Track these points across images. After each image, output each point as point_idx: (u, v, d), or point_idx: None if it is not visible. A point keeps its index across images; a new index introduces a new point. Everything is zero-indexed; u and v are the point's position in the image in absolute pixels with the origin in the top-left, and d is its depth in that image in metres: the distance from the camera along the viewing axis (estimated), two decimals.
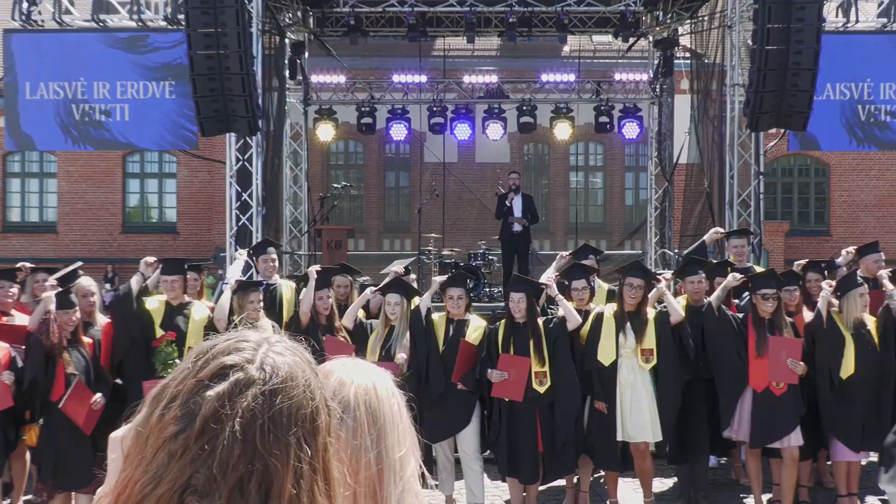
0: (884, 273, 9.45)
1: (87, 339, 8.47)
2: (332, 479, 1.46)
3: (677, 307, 8.83)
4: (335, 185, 21.36)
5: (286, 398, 1.40)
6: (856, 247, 10.57)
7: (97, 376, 8.41)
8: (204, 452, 1.34)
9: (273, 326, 8.88)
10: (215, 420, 1.35)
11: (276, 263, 10.68)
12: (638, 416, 8.61)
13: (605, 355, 8.72)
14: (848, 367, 8.68)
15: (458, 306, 8.89)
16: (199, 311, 9.19)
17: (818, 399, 8.83)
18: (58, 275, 9.03)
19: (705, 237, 11.19)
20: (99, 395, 8.18)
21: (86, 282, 9.10)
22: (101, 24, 15.50)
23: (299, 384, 1.43)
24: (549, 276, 9.47)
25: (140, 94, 15.45)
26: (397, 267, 10.23)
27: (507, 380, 8.50)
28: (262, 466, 1.35)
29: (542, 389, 8.56)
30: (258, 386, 1.39)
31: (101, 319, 9.02)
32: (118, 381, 8.89)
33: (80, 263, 9.62)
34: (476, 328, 8.91)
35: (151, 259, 9.48)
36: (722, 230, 11.77)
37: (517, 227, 16.38)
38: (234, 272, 10.16)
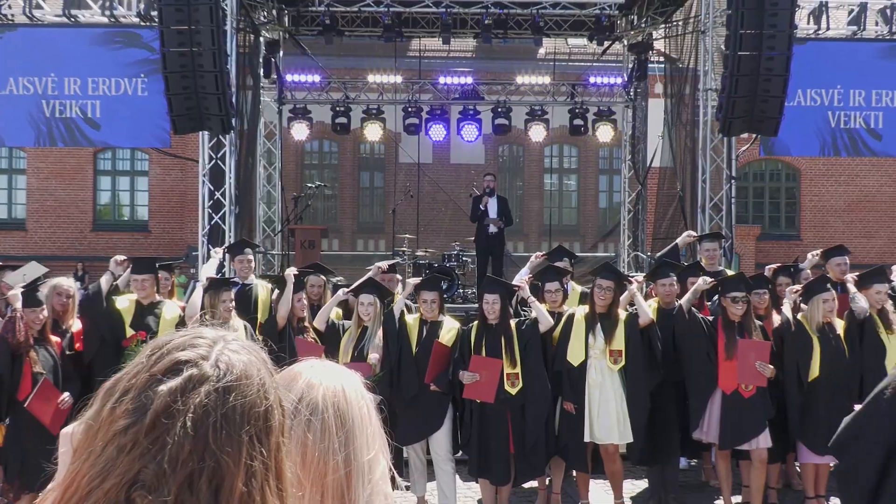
0: (849, 277, 9.55)
1: (55, 338, 8.37)
2: (285, 479, 1.46)
3: (647, 309, 8.86)
4: (309, 185, 21.30)
5: (240, 396, 1.39)
6: (821, 250, 10.68)
7: (65, 375, 8.31)
8: (154, 447, 1.33)
9: (245, 327, 8.83)
10: (167, 415, 1.34)
11: (253, 264, 10.62)
12: (606, 417, 8.64)
13: (574, 356, 8.75)
14: (814, 370, 8.76)
15: (432, 309, 8.88)
16: (171, 310, 9.11)
17: (786, 401, 8.90)
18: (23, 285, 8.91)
19: (678, 240, 11.25)
20: (67, 394, 8.09)
21: (66, 282, 8.98)
22: (72, 19, 15.37)
23: (254, 383, 1.42)
24: (521, 278, 9.48)
25: (112, 91, 15.34)
26: (381, 263, 10.22)
27: (479, 381, 8.50)
28: (214, 463, 1.34)
29: (513, 391, 8.57)
30: (212, 383, 1.38)
31: (76, 325, 8.89)
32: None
33: (45, 271, 9.53)
34: (449, 330, 8.91)
35: (121, 257, 9.39)
36: (694, 234, 11.84)
37: (493, 229, 16.39)
38: (207, 271, 10.10)
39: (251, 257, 10.55)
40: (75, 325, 8.82)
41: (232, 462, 1.36)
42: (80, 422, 1.43)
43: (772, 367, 8.61)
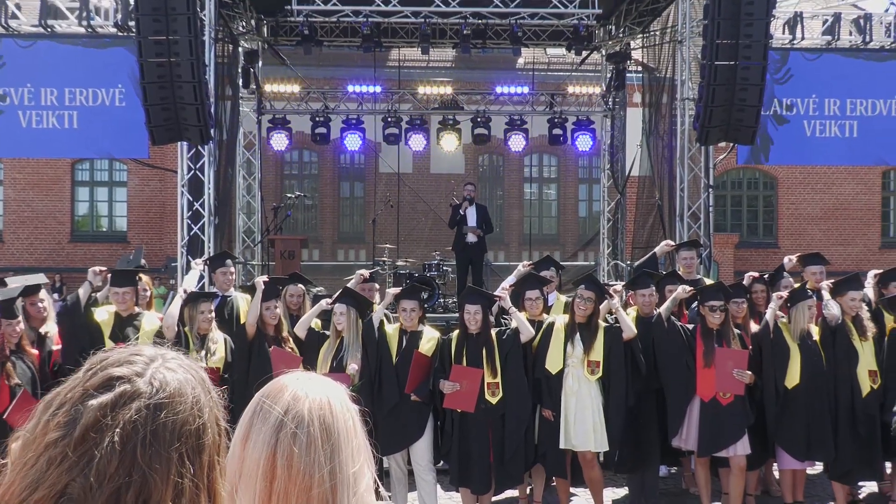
0: (824, 284, 9.64)
1: (33, 351, 8.31)
2: (218, 497, 1.48)
3: (629, 324, 8.90)
4: (289, 195, 21.28)
5: (171, 413, 1.41)
6: (798, 255, 10.77)
7: (45, 387, 8.24)
8: (82, 461, 1.34)
9: (226, 339, 8.80)
10: (95, 429, 1.36)
11: (233, 276, 10.59)
12: (581, 424, 8.67)
13: (552, 364, 8.79)
14: (793, 377, 8.83)
15: (411, 318, 8.89)
16: (150, 321, 9.06)
17: (765, 408, 8.96)
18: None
19: (656, 249, 11.31)
20: None
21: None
22: (49, 29, 15.30)
23: (187, 400, 1.44)
24: (504, 287, 9.51)
25: (89, 101, 15.27)
26: (363, 272, 10.22)
27: (459, 391, 8.52)
28: (141, 479, 1.36)
29: (494, 400, 8.59)
30: (143, 399, 1.40)
31: (53, 329, 8.86)
32: None
33: (46, 282, 9.46)
34: (429, 339, 8.92)
35: (100, 268, 9.33)
36: (672, 242, 11.89)
37: (471, 238, 16.42)
38: (189, 282, 10.06)
39: (232, 269, 10.51)
40: (52, 328, 8.76)
41: (160, 478, 1.38)
42: (18, 434, 1.45)
43: (750, 373, 8.67)
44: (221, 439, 1.52)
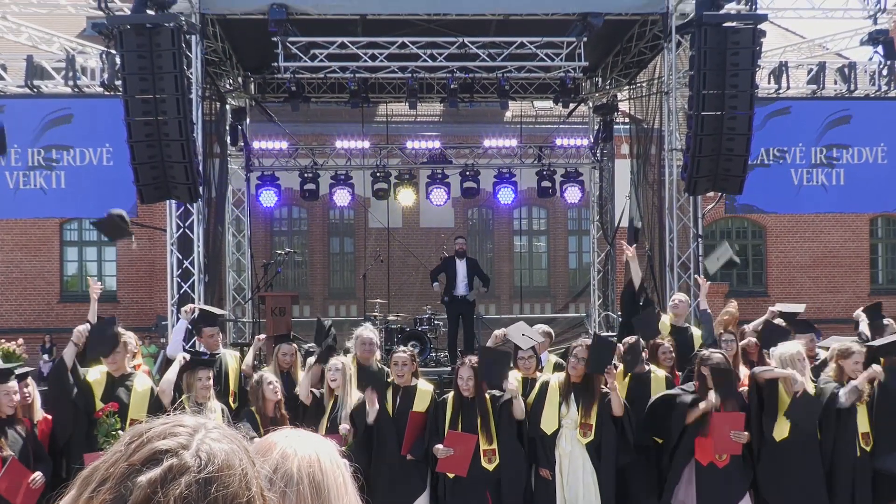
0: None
1: (25, 418, 8.14)
2: None
3: (618, 401, 8.75)
4: (279, 252, 21.24)
5: (222, 487, 1.35)
6: (778, 311, 10.77)
7: (36, 454, 8.08)
8: None
9: (223, 410, 8.63)
10: None
11: (219, 337, 10.46)
12: (575, 485, 8.59)
13: (547, 424, 8.71)
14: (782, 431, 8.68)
15: (403, 373, 8.82)
16: (142, 382, 8.91)
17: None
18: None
19: (631, 270, 11.37)
20: (38, 473, 7.86)
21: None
22: (35, 90, 15.33)
23: (236, 473, 1.38)
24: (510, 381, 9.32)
25: (76, 161, 15.25)
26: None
27: (453, 455, 8.45)
28: None
29: (490, 467, 8.54)
30: (192, 473, 1.34)
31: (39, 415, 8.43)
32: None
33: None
34: (423, 395, 8.83)
35: (83, 327, 9.20)
36: (630, 250, 11.81)
37: (470, 295, 16.55)
38: (177, 338, 9.94)
39: (216, 330, 10.41)
40: (38, 415, 8.35)
41: None
42: None
43: (746, 433, 8.54)
44: None
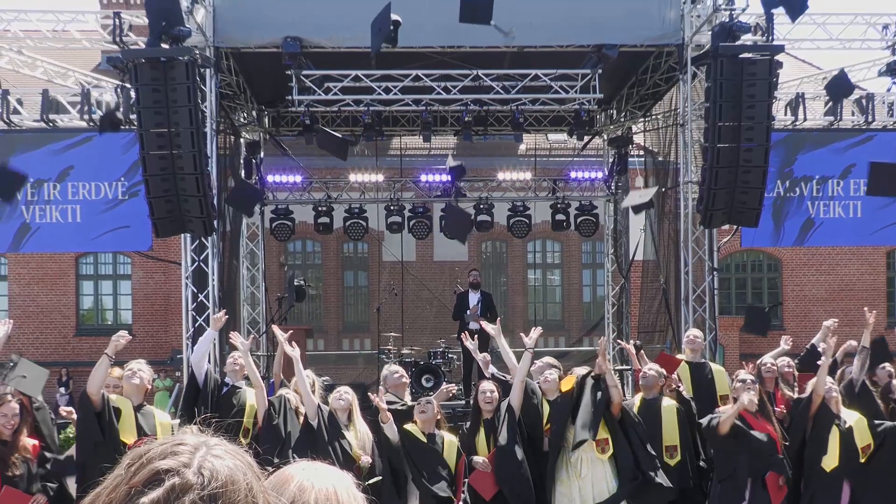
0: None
1: (30, 441, 8.01)
2: None
3: (617, 393, 8.85)
4: (296, 280, 21.22)
5: (227, 503, 1.29)
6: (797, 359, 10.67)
7: (40, 476, 7.97)
8: None
9: None
10: None
11: (241, 367, 10.35)
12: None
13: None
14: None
15: (429, 421, 8.76)
16: (161, 414, 8.91)
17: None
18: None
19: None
20: (41, 495, 7.79)
21: (11, 402, 7.92)
22: (50, 124, 15.42)
23: (241, 488, 1.33)
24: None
25: (92, 195, 15.31)
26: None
27: (489, 474, 8.50)
28: None
29: None
30: (196, 491, 1.29)
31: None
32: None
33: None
34: (450, 446, 8.74)
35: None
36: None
37: (473, 325, 16.34)
38: (201, 348, 9.82)
39: (240, 359, 10.33)
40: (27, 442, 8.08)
41: None
42: None
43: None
44: None
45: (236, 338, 9.53)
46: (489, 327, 9.31)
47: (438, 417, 8.81)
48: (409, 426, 8.71)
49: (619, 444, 8.67)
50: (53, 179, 15.33)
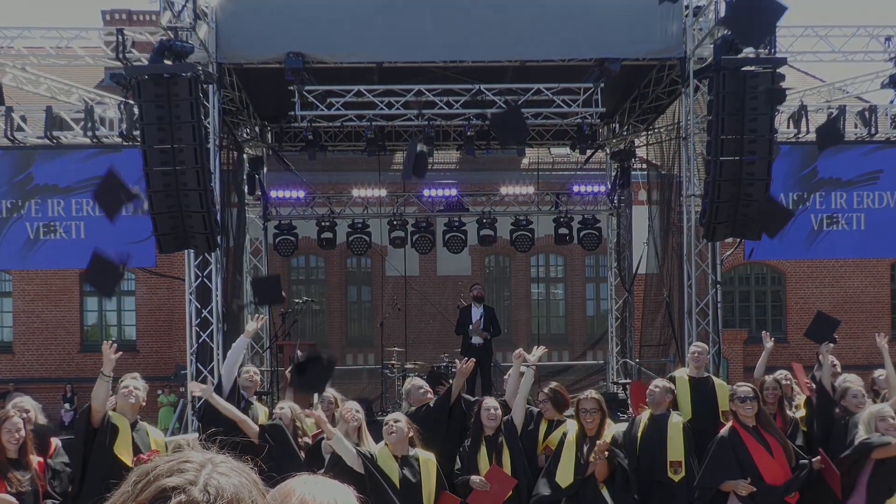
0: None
1: (36, 458, 8.00)
2: None
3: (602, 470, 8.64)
4: (296, 301, 21.20)
5: None
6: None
7: (46, 494, 7.95)
8: None
9: None
10: None
11: (256, 380, 10.30)
12: None
13: (562, 477, 8.60)
14: None
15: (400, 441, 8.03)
16: (154, 430, 8.87)
17: None
18: None
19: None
20: None
21: (15, 417, 7.88)
22: (54, 140, 15.45)
23: None
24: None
25: (95, 212, 15.29)
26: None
27: (488, 492, 8.39)
28: None
29: None
30: None
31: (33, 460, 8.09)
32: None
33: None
34: (427, 465, 8.10)
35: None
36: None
37: (477, 340, 16.34)
38: (232, 360, 9.65)
39: (254, 372, 10.32)
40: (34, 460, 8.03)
41: None
42: None
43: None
44: None
45: (195, 387, 9.42)
46: (532, 358, 9.17)
47: (411, 435, 7.99)
48: (379, 449, 7.98)
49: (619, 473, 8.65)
50: (57, 196, 15.36)
